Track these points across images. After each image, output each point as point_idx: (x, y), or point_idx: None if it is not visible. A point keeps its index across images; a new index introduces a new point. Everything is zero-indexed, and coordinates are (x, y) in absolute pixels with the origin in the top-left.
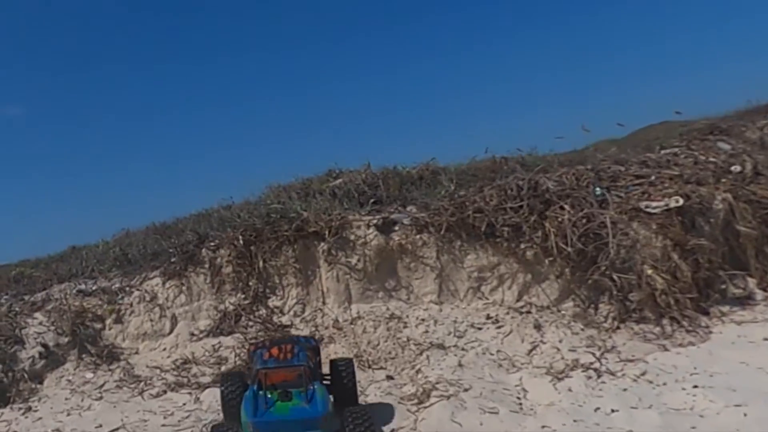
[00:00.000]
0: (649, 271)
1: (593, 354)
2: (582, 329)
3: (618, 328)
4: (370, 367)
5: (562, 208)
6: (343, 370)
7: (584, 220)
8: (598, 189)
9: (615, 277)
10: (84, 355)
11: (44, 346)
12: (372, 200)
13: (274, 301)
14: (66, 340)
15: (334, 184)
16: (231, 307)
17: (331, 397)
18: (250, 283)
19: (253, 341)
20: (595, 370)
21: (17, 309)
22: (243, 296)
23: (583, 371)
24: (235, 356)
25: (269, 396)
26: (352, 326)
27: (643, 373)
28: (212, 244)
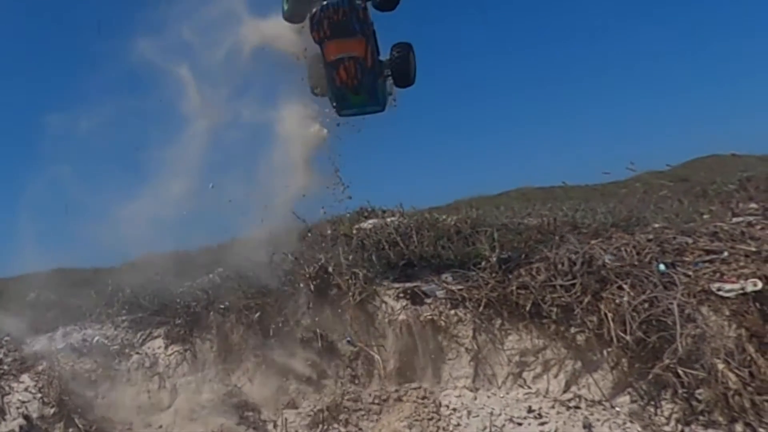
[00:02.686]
0: (721, 366)
1: None
2: None
3: None
4: None
5: (620, 288)
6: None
7: (646, 305)
8: (662, 265)
9: (680, 371)
10: (71, 429)
11: (26, 418)
12: (403, 262)
13: (287, 373)
14: (52, 411)
15: (364, 228)
16: (240, 381)
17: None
18: (261, 351)
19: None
20: None
21: (5, 368)
22: (252, 368)
23: None
24: None
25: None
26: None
27: None
28: (221, 306)
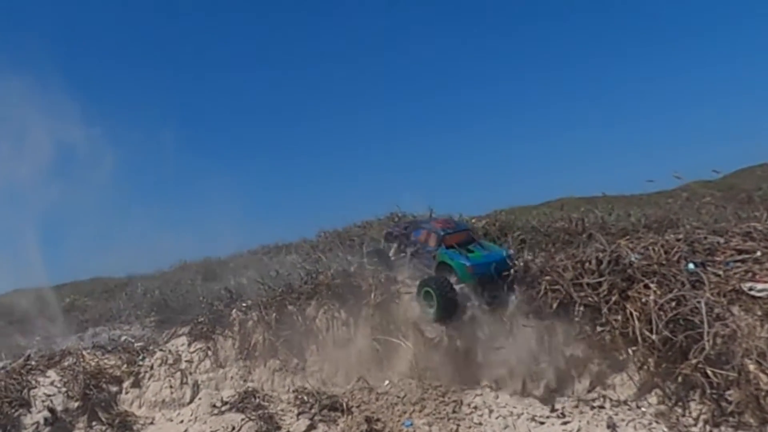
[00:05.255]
0: (752, 367)
1: None
2: None
3: None
4: None
5: (647, 287)
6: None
7: (673, 303)
8: (691, 264)
9: (709, 371)
10: (94, 423)
11: (51, 410)
12: None
13: (307, 372)
14: (76, 404)
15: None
16: (260, 378)
17: None
18: (281, 349)
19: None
20: None
21: (33, 363)
22: (272, 365)
23: None
24: None
25: (460, 252)
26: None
27: None
28: (243, 305)
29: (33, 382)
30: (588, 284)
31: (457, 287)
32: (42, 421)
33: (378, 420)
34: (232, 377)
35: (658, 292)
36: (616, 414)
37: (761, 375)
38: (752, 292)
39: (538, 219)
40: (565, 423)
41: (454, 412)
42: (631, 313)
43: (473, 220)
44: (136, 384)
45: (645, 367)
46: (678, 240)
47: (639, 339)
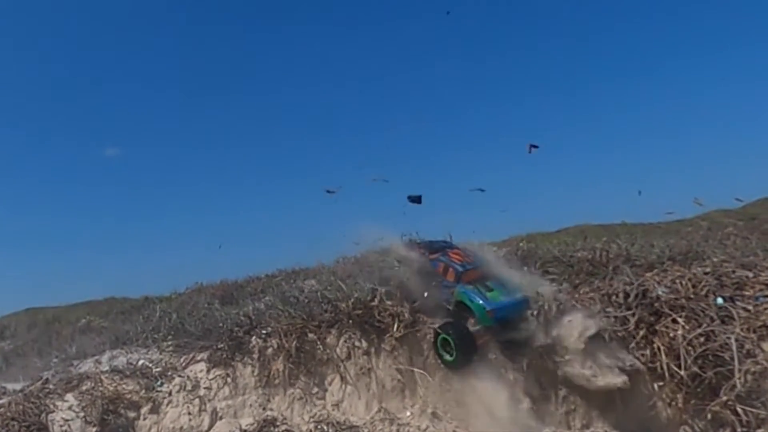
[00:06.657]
0: None
1: None
2: None
3: None
4: None
5: (675, 321)
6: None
7: (702, 338)
8: (720, 299)
9: (739, 409)
10: None
11: None
12: None
13: (327, 402)
14: (94, 430)
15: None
16: (279, 407)
17: None
18: (302, 378)
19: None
20: None
21: (51, 387)
22: (292, 394)
23: None
24: None
25: (479, 289)
26: None
27: None
28: (263, 332)
29: (51, 406)
30: (615, 318)
31: (474, 329)
32: None
33: None
34: (251, 405)
35: (687, 327)
36: None
37: None
38: None
39: (559, 248)
40: None
41: None
42: (658, 348)
43: (494, 248)
44: (155, 410)
45: (673, 403)
46: (706, 273)
47: (666, 375)
